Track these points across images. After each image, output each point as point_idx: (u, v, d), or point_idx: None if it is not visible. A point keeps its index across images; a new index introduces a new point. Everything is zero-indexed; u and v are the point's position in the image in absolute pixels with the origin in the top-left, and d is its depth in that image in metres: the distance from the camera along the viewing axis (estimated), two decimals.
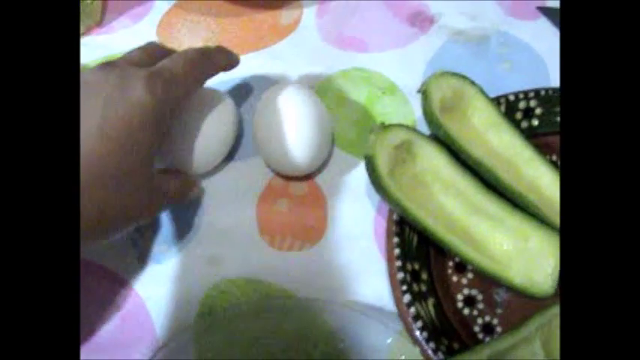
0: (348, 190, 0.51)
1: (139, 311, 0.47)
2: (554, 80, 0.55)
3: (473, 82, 0.49)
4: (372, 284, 0.47)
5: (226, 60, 0.50)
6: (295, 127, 0.48)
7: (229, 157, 0.52)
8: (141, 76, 0.41)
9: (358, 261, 0.48)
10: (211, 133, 0.49)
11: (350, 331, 0.46)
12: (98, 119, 0.39)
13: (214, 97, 0.50)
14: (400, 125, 0.46)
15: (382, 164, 0.45)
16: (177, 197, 0.47)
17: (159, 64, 0.44)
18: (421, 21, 0.59)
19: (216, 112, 0.49)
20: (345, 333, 0.46)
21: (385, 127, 0.46)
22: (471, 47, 0.58)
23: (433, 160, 0.47)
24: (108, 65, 0.42)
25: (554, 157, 0.52)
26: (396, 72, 0.56)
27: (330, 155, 0.52)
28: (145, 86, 0.41)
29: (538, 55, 0.57)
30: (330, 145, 0.52)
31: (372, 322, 0.45)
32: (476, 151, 0.47)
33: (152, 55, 0.46)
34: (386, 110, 0.54)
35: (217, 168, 0.52)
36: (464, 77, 0.49)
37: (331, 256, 0.49)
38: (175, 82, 0.43)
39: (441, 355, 0.42)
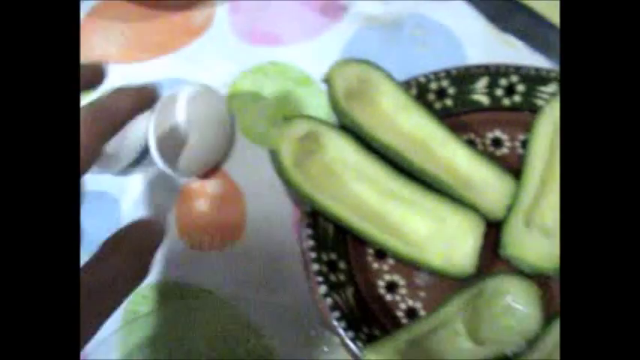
0: (265, 184, 0.50)
1: None
2: (471, 59, 0.55)
3: (379, 67, 0.48)
4: (293, 277, 0.47)
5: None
6: (180, 127, 0.48)
7: (141, 160, 0.52)
8: None
9: (278, 255, 0.48)
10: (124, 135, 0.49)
11: (271, 326, 0.45)
12: None
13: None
14: (304, 117, 0.46)
15: (287, 157, 0.44)
16: None
17: None
18: (333, 10, 0.59)
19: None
20: (267, 329, 0.45)
21: (288, 120, 0.45)
22: (385, 32, 0.57)
23: (341, 149, 0.46)
24: None
25: (472, 136, 0.51)
26: (309, 63, 0.56)
27: (227, 153, 0.53)
28: None
29: (454, 36, 0.57)
30: (227, 144, 0.52)
31: (293, 316, 0.45)
32: (385, 136, 0.47)
33: None
34: (300, 102, 0.54)
35: (130, 173, 0.51)
36: (369, 63, 0.48)
37: (251, 253, 0.48)
38: None
39: (359, 344, 0.42)
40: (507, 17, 0.57)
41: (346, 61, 0.47)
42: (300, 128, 0.45)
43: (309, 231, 0.45)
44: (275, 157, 0.44)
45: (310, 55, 0.56)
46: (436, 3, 0.58)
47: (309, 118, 0.46)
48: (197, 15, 0.60)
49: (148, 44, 0.59)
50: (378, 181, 0.46)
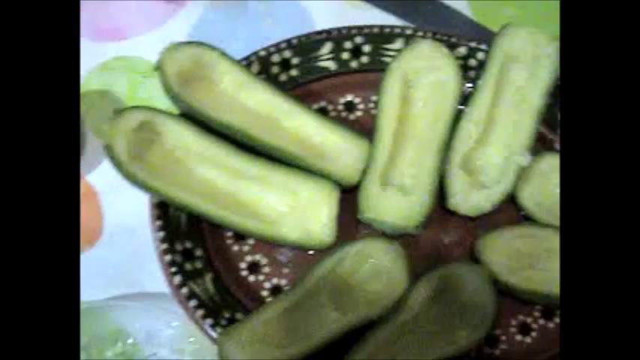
0: (119, 183, 0.49)
1: None
2: (320, 26, 0.54)
3: (214, 48, 0.47)
4: (153, 272, 0.46)
5: None
6: None
7: None
8: None
9: (139, 251, 0.47)
10: None
11: (136, 325, 0.45)
12: None
13: None
14: (136, 107, 0.45)
15: (121, 151, 0.43)
16: None
17: None
18: None
19: None
20: (134, 328, 0.45)
21: (120, 113, 0.44)
22: (230, 11, 0.56)
23: (180, 136, 0.45)
24: None
25: (323, 104, 0.51)
26: (156, 54, 0.54)
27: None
28: None
29: (299, 6, 0.56)
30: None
31: (155, 311, 0.44)
32: (227, 116, 0.46)
33: None
34: (149, 94, 0.53)
35: None
36: (202, 44, 0.47)
37: (112, 253, 0.48)
38: None
39: (220, 330, 0.41)
40: None
41: (176, 46, 0.46)
42: (132, 119, 0.44)
43: (159, 222, 0.44)
44: (109, 152, 0.43)
45: (156, 45, 0.54)
46: None
47: (142, 108, 0.45)
48: None
49: None
50: (223, 163, 0.45)
